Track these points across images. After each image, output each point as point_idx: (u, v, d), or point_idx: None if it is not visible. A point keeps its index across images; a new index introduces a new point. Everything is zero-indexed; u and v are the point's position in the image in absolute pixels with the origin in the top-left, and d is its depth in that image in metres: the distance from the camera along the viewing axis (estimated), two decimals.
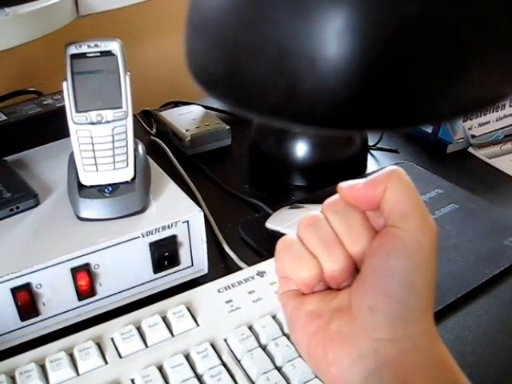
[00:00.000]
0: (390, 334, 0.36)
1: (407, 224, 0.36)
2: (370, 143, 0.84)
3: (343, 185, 0.38)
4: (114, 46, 0.55)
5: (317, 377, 0.46)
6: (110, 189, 0.57)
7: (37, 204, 0.59)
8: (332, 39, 0.19)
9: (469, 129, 0.84)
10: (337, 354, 0.37)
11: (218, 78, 0.22)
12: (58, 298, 0.53)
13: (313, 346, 0.39)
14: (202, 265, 0.60)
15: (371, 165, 0.82)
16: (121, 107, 0.56)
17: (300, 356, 0.48)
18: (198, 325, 0.51)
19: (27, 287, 0.51)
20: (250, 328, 0.50)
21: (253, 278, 0.56)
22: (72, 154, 0.57)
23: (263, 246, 0.65)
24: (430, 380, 0.35)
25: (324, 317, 0.38)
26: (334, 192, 0.39)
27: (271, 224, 0.66)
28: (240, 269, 0.59)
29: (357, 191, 0.38)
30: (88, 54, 0.55)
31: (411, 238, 0.36)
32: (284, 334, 0.50)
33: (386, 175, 0.37)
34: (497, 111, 0.86)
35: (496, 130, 0.87)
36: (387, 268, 0.36)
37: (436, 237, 0.37)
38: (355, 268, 0.38)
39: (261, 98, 0.21)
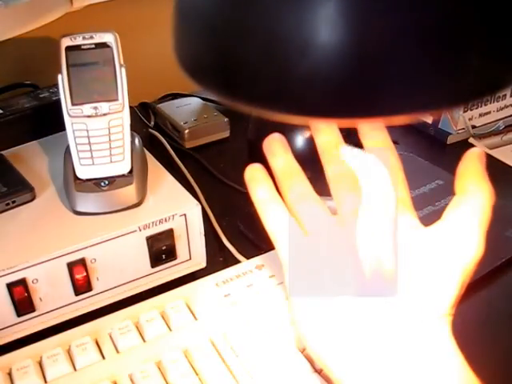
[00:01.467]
0: (408, 334, 0.36)
1: (463, 240, 0.38)
2: None
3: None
4: (109, 38, 0.55)
5: (316, 371, 0.46)
6: (107, 182, 0.56)
7: (33, 198, 0.58)
8: (324, 25, 0.19)
9: (469, 119, 0.84)
10: (349, 348, 0.37)
11: (207, 67, 0.21)
12: (55, 293, 0.53)
13: (323, 340, 0.38)
14: (200, 258, 0.59)
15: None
16: (117, 100, 0.55)
17: (300, 351, 0.47)
18: (196, 319, 0.51)
19: (23, 282, 0.51)
20: (249, 322, 0.50)
21: (251, 271, 0.55)
22: (68, 148, 0.57)
23: (262, 239, 0.64)
24: (442, 374, 0.35)
25: (336, 308, 0.38)
26: None
27: None
28: (238, 262, 0.59)
29: (462, 167, 0.40)
30: (83, 46, 0.54)
31: (458, 255, 0.38)
32: (283, 329, 0.49)
33: (476, 183, 0.40)
34: (497, 101, 0.85)
35: (497, 120, 0.86)
36: (424, 275, 0.37)
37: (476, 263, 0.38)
38: None
39: (251, 87, 0.21)
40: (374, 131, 0.46)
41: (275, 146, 0.50)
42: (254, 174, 0.49)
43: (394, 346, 0.36)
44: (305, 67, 0.19)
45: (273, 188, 0.48)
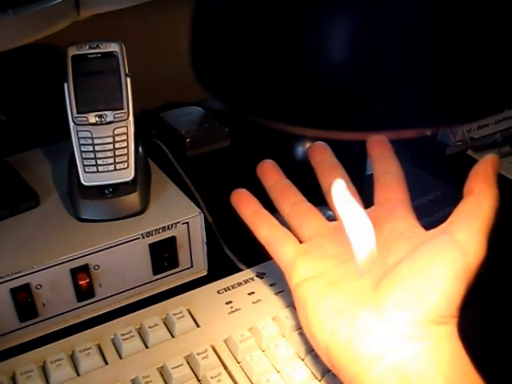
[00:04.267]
0: (415, 334, 0.37)
1: (467, 239, 0.38)
2: None
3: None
4: (114, 47, 0.55)
5: (317, 378, 0.46)
6: (111, 189, 0.57)
7: (37, 204, 0.59)
8: (336, 46, 0.20)
9: (467, 131, 0.85)
10: (360, 351, 0.38)
11: (222, 79, 0.22)
12: (58, 299, 0.53)
13: (335, 344, 0.39)
14: (201, 266, 0.60)
15: (370, 167, 0.82)
16: (122, 108, 0.56)
17: (300, 358, 0.48)
18: (198, 326, 0.51)
19: (27, 288, 0.51)
20: (250, 329, 0.50)
21: (252, 279, 0.56)
22: (72, 155, 0.57)
23: (263, 247, 0.64)
24: (449, 378, 0.36)
25: (347, 313, 0.39)
26: None
27: None
28: (240, 270, 0.59)
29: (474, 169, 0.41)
30: (89, 55, 0.55)
31: (462, 254, 0.38)
32: (284, 336, 0.50)
33: (486, 189, 0.40)
34: (496, 114, 0.86)
35: (495, 132, 0.87)
36: (429, 274, 0.37)
37: (481, 261, 0.38)
38: None
39: (262, 100, 0.21)
40: (380, 143, 0.48)
41: (268, 170, 0.53)
42: (239, 197, 0.53)
43: (403, 347, 0.37)
44: (317, 84, 0.20)
45: (259, 204, 0.51)
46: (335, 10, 0.20)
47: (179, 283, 0.59)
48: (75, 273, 0.53)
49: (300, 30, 0.20)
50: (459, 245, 0.38)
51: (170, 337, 0.50)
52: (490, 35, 0.23)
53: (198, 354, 0.48)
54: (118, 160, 0.56)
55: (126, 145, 0.57)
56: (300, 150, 0.75)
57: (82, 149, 0.56)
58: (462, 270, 0.37)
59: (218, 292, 0.54)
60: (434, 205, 0.71)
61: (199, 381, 0.46)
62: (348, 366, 0.38)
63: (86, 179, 0.57)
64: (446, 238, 0.39)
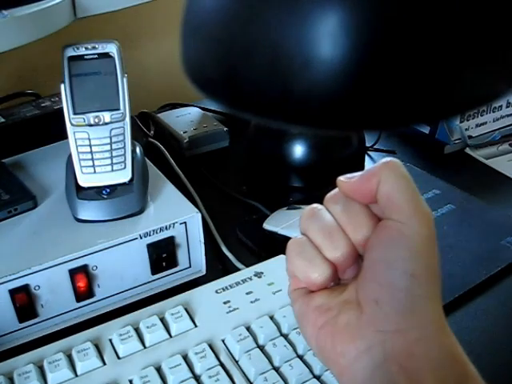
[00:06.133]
0: (397, 326, 0.37)
1: (401, 215, 0.37)
2: (368, 144, 0.84)
3: (342, 178, 0.39)
4: (111, 48, 0.55)
5: (314, 376, 0.46)
6: (108, 190, 0.57)
7: (35, 206, 0.59)
8: (325, 40, 0.20)
9: (466, 130, 0.85)
10: (345, 346, 0.38)
11: (214, 79, 0.22)
12: (57, 300, 0.53)
13: (322, 339, 0.39)
14: (199, 266, 0.60)
15: (368, 166, 0.82)
16: (118, 109, 0.56)
17: (298, 356, 0.48)
18: (195, 325, 0.51)
19: (25, 289, 0.51)
20: (248, 328, 0.50)
21: (250, 278, 0.56)
22: (70, 156, 0.57)
23: (261, 247, 0.65)
24: (437, 371, 0.36)
25: (332, 311, 0.39)
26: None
27: (269, 225, 0.66)
28: (238, 270, 0.59)
29: (353, 185, 0.39)
30: (85, 56, 0.55)
31: (407, 229, 0.37)
32: (281, 335, 0.50)
33: (379, 167, 0.38)
34: (493, 112, 0.86)
35: (493, 130, 0.87)
36: (387, 260, 0.37)
37: (433, 223, 0.37)
38: (358, 255, 0.39)
39: (256, 99, 0.21)
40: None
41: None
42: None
43: (387, 341, 0.37)
44: (306, 80, 0.20)
45: None
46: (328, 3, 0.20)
47: (177, 283, 0.59)
48: (74, 273, 0.53)
49: (291, 27, 0.20)
50: (400, 223, 0.36)
51: (168, 336, 0.50)
52: (485, 28, 0.23)
53: (196, 353, 0.48)
54: (115, 161, 0.57)
55: (123, 145, 0.57)
56: (299, 149, 0.75)
57: (79, 150, 0.56)
58: (415, 243, 0.36)
59: (216, 291, 0.55)
60: (432, 203, 0.71)
61: (197, 380, 0.46)
62: (337, 360, 0.38)
63: (84, 180, 0.57)
64: (386, 224, 0.37)
